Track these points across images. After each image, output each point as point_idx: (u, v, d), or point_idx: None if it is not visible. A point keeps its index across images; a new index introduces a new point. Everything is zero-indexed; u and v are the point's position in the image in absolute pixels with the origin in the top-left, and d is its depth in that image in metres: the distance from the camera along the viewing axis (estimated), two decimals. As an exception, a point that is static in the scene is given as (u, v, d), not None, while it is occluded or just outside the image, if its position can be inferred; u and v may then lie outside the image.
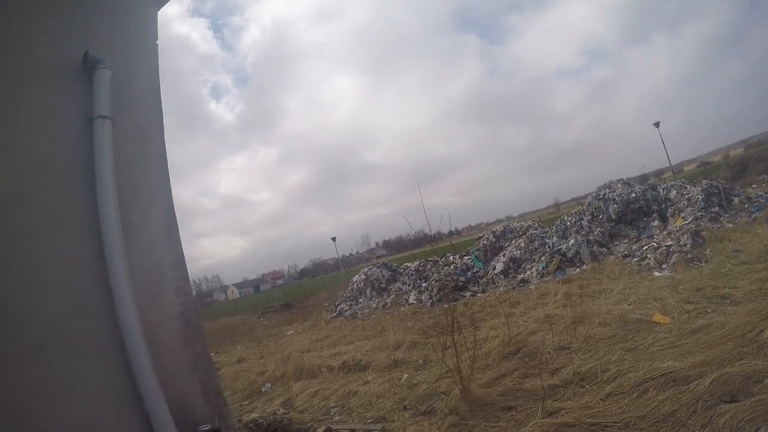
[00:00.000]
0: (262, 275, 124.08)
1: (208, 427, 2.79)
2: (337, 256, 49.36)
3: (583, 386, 4.79)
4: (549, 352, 5.88)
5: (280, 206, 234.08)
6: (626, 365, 4.94)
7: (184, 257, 3.17)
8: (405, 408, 5.62)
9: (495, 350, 6.62)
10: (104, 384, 2.51)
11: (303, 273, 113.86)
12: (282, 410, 6.83)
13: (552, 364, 5.54)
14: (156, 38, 3.44)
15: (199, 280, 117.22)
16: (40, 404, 2.29)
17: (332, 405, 6.53)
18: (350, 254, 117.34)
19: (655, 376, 4.45)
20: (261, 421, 6.39)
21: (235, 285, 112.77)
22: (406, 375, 6.93)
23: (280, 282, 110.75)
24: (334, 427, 5.63)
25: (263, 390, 8.55)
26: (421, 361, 7.55)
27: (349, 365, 8.36)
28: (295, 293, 43.13)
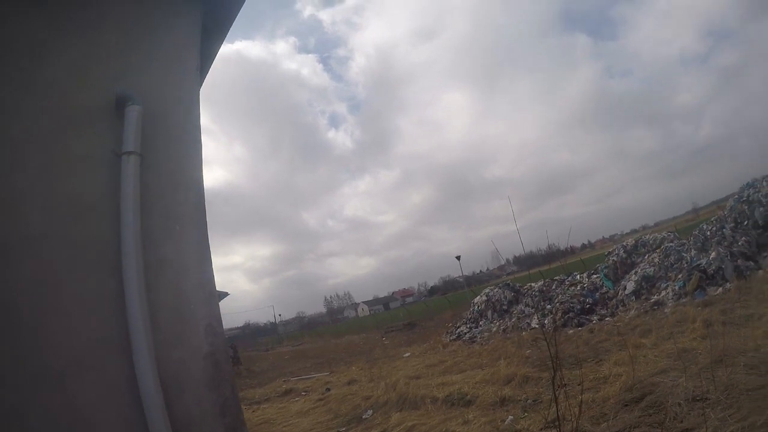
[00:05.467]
0: (392, 293, 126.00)
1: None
2: (462, 275, 48.44)
3: (717, 460, 3.76)
4: (679, 404, 4.79)
5: (406, 226, 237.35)
6: (778, 434, 3.80)
7: (216, 296, 2.94)
8: (499, 461, 4.93)
9: (614, 396, 5.62)
10: (117, 421, 2.43)
11: (432, 291, 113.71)
12: (374, 444, 6.47)
13: (681, 422, 4.48)
14: (197, 76, 3.38)
15: (330, 297, 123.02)
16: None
17: (425, 445, 6.01)
18: (480, 271, 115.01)
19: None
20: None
21: (365, 302, 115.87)
22: (510, 417, 6.18)
23: (409, 300, 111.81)
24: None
25: (364, 417, 8.28)
26: (530, 401, 6.73)
27: (453, 398, 7.78)
28: (420, 312, 43.10)
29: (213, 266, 2.95)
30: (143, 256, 2.61)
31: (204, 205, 3.03)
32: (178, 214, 2.93)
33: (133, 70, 3.08)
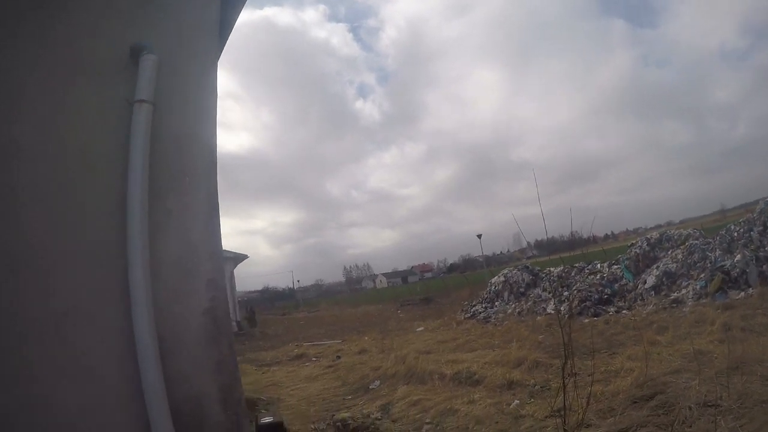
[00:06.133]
0: (412, 267, 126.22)
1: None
2: (482, 254, 48.18)
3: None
4: (690, 407, 4.61)
5: (429, 201, 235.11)
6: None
7: (221, 250, 2.88)
8: (500, 446, 4.85)
9: (624, 391, 5.48)
10: (111, 369, 2.40)
11: (452, 268, 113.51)
12: (376, 414, 6.49)
13: (690, 426, 4.31)
14: (215, 29, 3.26)
15: (349, 267, 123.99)
16: (48, 378, 2.27)
17: (428, 420, 5.98)
18: (501, 252, 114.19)
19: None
20: (350, 422, 6.10)
21: (384, 274, 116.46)
22: (516, 401, 6.12)
23: (428, 275, 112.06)
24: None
25: (371, 387, 8.35)
26: (538, 387, 6.64)
27: (461, 377, 7.74)
28: (437, 288, 43.20)
29: (221, 221, 2.88)
30: (149, 205, 2.56)
31: (216, 160, 2.95)
32: (188, 166, 2.85)
33: (150, 20, 2.98)
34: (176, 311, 2.61)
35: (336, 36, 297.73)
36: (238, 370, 2.89)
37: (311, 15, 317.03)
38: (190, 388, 2.55)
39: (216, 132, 3.03)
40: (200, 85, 3.07)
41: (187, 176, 2.82)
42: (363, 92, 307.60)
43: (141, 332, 2.37)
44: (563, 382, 4.26)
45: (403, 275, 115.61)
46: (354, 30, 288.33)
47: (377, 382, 8.50)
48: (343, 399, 7.89)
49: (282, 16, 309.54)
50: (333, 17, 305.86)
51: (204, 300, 2.69)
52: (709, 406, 4.61)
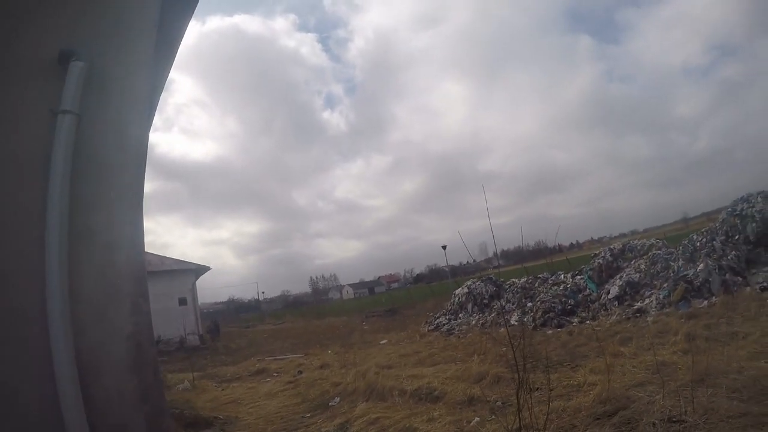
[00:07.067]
0: (378, 278, 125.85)
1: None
2: (447, 264, 48.54)
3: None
4: (653, 423, 4.53)
5: (395, 212, 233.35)
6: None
7: (145, 271, 2.65)
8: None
9: (587, 407, 5.37)
10: (27, 393, 2.23)
11: (418, 278, 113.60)
12: (333, 434, 6.27)
13: (655, 444, 4.23)
14: (153, 35, 3.03)
15: (316, 277, 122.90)
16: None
17: (386, 440, 5.78)
18: (467, 262, 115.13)
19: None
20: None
21: (350, 285, 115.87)
22: (477, 418, 5.96)
23: (395, 285, 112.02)
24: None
25: (330, 404, 8.10)
26: (499, 403, 6.49)
27: (421, 393, 7.57)
28: (403, 299, 43.19)
29: (145, 241, 2.67)
30: (69, 222, 2.36)
31: (144, 175, 2.75)
32: (114, 181, 2.64)
33: (81, 25, 2.77)
34: (97, 335, 2.43)
35: (305, 46, 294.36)
36: (165, 400, 2.68)
37: (281, 24, 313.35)
38: (113, 416, 2.37)
39: (146, 148, 2.83)
40: (132, 94, 2.86)
41: (113, 192, 2.61)
42: (330, 102, 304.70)
43: (59, 355, 2.20)
44: (518, 401, 4.13)
45: (370, 286, 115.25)
46: (323, 40, 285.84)
47: (337, 399, 8.27)
48: (302, 417, 7.63)
49: (251, 24, 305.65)
50: (303, 27, 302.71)
51: (127, 324, 2.49)
52: (673, 421, 4.51)
